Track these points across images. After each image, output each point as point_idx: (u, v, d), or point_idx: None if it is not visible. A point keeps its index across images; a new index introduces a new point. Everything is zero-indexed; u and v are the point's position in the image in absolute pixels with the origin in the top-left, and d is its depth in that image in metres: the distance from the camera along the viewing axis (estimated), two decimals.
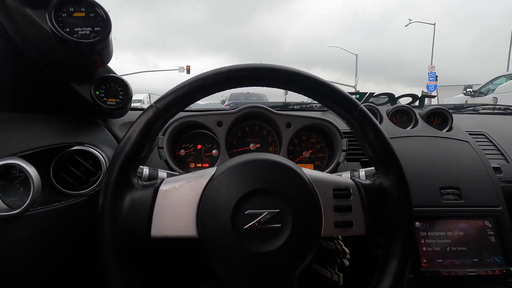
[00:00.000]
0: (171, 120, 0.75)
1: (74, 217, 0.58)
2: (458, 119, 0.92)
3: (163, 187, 0.42)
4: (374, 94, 1.11)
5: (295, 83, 0.44)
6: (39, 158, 0.53)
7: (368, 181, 0.46)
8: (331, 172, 0.77)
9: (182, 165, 0.81)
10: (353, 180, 0.46)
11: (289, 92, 0.48)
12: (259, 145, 0.85)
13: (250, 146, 0.85)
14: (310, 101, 1.52)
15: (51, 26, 0.50)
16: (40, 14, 0.51)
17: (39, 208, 0.51)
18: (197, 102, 0.46)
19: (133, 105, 0.77)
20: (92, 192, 0.59)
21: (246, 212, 0.40)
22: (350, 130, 0.81)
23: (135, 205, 0.40)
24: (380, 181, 0.45)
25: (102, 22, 0.54)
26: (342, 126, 0.82)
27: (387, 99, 1.12)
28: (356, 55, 19.71)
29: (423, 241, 0.68)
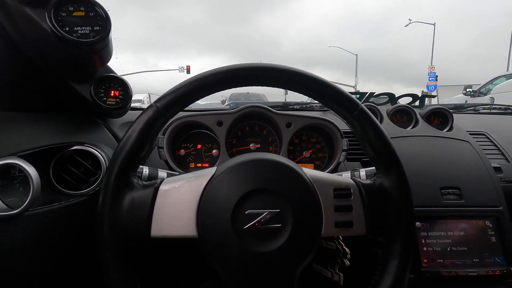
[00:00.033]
0: (171, 120, 0.75)
1: (74, 217, 0.58)
2: (459, 119, 0.92)
3: (163, 187, 0.42)
4: (375, 94, 1.10)
5: (296, 83, 0.43)
6: (38, 157, 0.53)
7: (368, 181, 0.46)
8: (332, 172, 0.77)
9: (182, 165, 0.81)
10: (353, 180, 0.46)
11: (289, 92, 0.48)
12: (259, 145, 0.85)
13: (250, 146, 0.85)
14: (310, 101, 1.52)
15: (51, 25, 0.50)
16: (39, 13, 0.51)
17: (39, 208, 0.51)
18: (197, 102, 0.46)
19: (133, 105, 0.77)
20: (92, 192, 0.59)
21: (246, 212, 0.40)
22: (350, 130, 0.81)
23: (135, 205, 0.40)
24: (380, 181, 0.45)
25: (102, 22, 0.54)
26: (342, 126, 0.82)
27: (387, 99, 1.12)
28: (356, 55, 19.73)
29: (423, 241, 0.68)
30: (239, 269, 0.40)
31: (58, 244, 0.57)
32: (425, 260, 0.67)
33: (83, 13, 0.53)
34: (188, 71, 17.40)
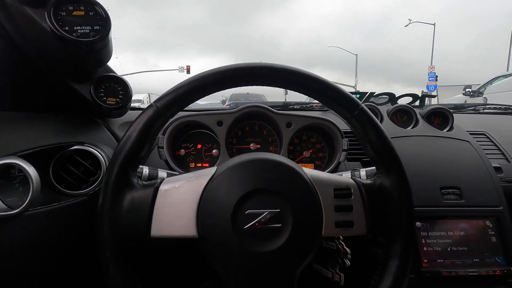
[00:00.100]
0: (171, 120, 0.75)
1: (74, 216, 0.58)
2: (459, 119, 0.92)
3: (163, 187, 0.42)
4: (375, 94, 1.10)
5: (296, 82, 0.43)
6: (38, 157, 0.53)
7: (369, 181, 0.46)
8: (332, 171, 0.77)
9: (182, 165, 0.81)
10: (353, 179, 0.46)
11: (289, 91, 0.48)
12: (259, 145, 0.85)
13: (250, 145, 0.85)
14: (310, 101, 1.52)
15: (50, 24, 0.50)
16: (39, 13, 0.51)
17: (39, 207, 0.51)
18: (197, 102, 0.46)
19: (132, 105, 0.77)
20: (92, 191, 0.59)
21: (246, 212, 0.40)
22: (350, 130, 0.81)
23: (135, 204, 0.40)
24: (381, 181, 0.45)
25: (102, 21, 0.54)
26: (342, 125, 0.82)
27: (387, 98, 1.12)
28: (356, 55, 19.73)
29: (423, 241, 0.68)
30: (239, 269, 0.40)
31: (58, 244, 0.57)
32: (425, 260, 0.67)
33: (83, 13, 0.53)
34: (188, 71, 17.40)
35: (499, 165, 0.80)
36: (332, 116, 0.86)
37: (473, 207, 0.71)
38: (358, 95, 1.09)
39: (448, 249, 0.68)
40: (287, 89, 0.45)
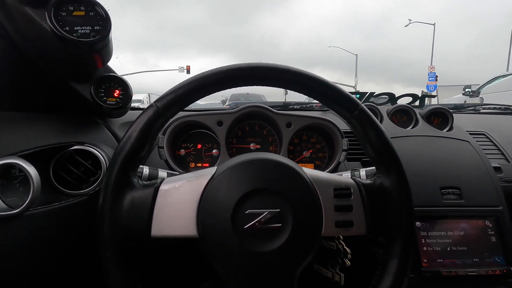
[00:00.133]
0: (171, 120, 0.75)
1: (74, 216, 0.58)
2: (459, 119, 0.92)
3: (163, 187, 0.42)
4: (375, 94, 1.10)
5: (296, 83, 0.43)
6: (38, 157, 0.53)
7: (368, 181, 0.46)
8: (332, 171, 0.77)
9: (182, 165, 0.81)
10: (353, 179, 0.46)
11: (289, 91, 0.48)
12: (259, 145, 0.85)
13: (250, 145, 0.85)
14: (309, 101, 1.52)
15: (51, 25, 0.50)
16: (39, 13, 0.51)
17: (39, 207, 0.51)
18: (197, 102, 0.46)
19: (132, 105, 0.77)
20: (92, 191, 0.59)
21: (246, 212, 0.40)
22: (350, 130, 0.81)
23: (135, 204, 0.40)
24: (380, 181, 0.45)
25: (102, 21, 0.54)
26: (342, 125, 0.82)
27: (387, 99, 1.12)
28: (356, 55, 19.73)
29: (423, 241, 0.68)
30: (239, 269, 0.40)
31: (58, 244, 0.57)
32: (425, 260, 0.67)
33: (83, 13, 0.53)
34: (188, 71, 17.39)
35: (499, 165, 0.80)
36: (332, 116, 0.86)
37: (472, 207, 0.71)
38: (358, 95, 1.09)
39: (448, 249, 0.68)
40: (287, 89, 0.45)
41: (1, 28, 0.54)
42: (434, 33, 15.31)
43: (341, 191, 0.43)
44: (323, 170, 0.78)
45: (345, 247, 0.64)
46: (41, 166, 0.54)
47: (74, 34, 0.52)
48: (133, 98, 0.72)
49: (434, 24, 15.38)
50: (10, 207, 0.48)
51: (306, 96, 0.49)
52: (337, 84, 0.45)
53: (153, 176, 0.60)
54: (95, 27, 0.53)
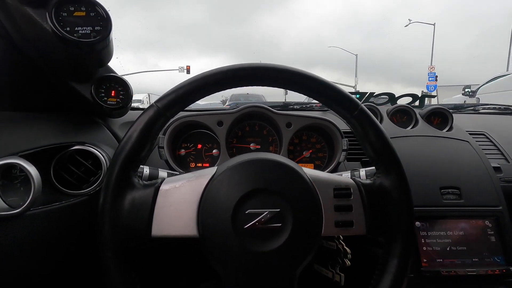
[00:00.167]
0: (171, 120, 0.75)
1: (75, 216, 0.58)
2: (458, 119, 0.92)
3: (163, 187, 0.42)
4: (374, 94, 1.11)
5: (296, 83, 0.44)
6: (39, 157, 0.53)
7: (368, 181, 0.46)
8: (332, 171, 0.77)
9: (183, 165, 0.81)
10: (353, 179, 0.46)
11: (289, 91, 0.48)
12: (259, 145, 0.85)
13: (251, 145, 0.85)
14: (308, 101, 1.52)
15: (52, 25, 0.50)
16: (40, 13, 0.51)
17: (40, 207, 0.51)
18: (197, 102, 0.46)
19: (132, 105, 0.77)
20: (93, 191, 0.59)
21: (246, 212, 0.40)
22: (350, 130, 0.81)
23: (136, 204, 0.40)
24: (380, 181, 0.45)
25: (103, 22, 0.54)
26: (342, 125, 0.82)
27: (387, 99, 1.12)
28: (356, 55, 19.73)
29: (423, 241, 0.68)
30: (239, 268, 0.40)
31: (58, 244, 0.57)
32: (424, 260, 0.67)
33: (84, 13, 0.53)
34: (188, 71, 17.39)
35: (498, 165, 0.80)
36: (332, 116, 0.86)
37: (472, 207, 0.71)
38: (358, 95, 1.09)
39: (448, 249, 0.68)
40: (287, 89, 0.45)
41: (2, 28, 0.54)
42: (434, 33, 15.32)
43: (341, 191, 0.44)
44: (323, 170, 0.79)
45: (345, 247, 0.64)
46: (42, 166, 0.54)
47: (74, 35, 0.52)
48: (133, 98, 0.72)
49: (434, 24, 15.39)
50: (11, 207, 0.48)
51: (306, 96, 0.49)
52: (336, 84, 0.45)
53: (153, 176, 0.60)
54: (96, 28, 0.53)
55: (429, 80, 12.61)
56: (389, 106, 0.95)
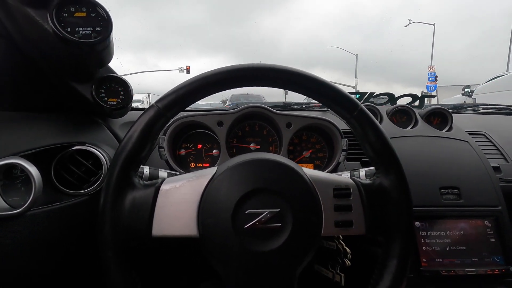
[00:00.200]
0: (171, 120, 0.75)
1: (75, 216, 0.58)
2: (458, 119, 0.93)
3: (164, 187, 0.42)
4: (374, 94, 1.11)
5: (296, 83, 0.44)
6: (40, 157, 0.53)
7: (368, 181, 0.46)
8: (331, 171, 0.77)
9: (183, 165, 0.82)
10: (353, 179, 0.46)
11: (289, 92, 0.48)
12: (259, 145, 0.85)
13: (251, 145, 0.85)
14: (309, 101, 1.52)
15: (53, 26, 0.50)
16: (41, 14, 0.51)
17: (40, 207, 0.51)
18: (197, 102, 0.46)
19: (132, 105, 0.77)
20: (93, 191, 0.60)
21: (246, 212, 0.40)
22: (350, 130, 0.81)
23: (136, 204, 0.41)
24: (380, 181, 0.45)
25: (103, 22, 0.54)
26: (342, 126, 0.82)
27: (387, 99, 1.12)
28: (356, 55, 19.73)
29: (422, 241, 0.68)
30: (240, 268, 0.40)
31: (59, 244, 0.57)
32: (424, 260, 0.67)
33: (84, 14, 0.53)
34: (188, 71, 17.39)
35: (498, 165, 0.80)
36: (331, 116, 0.86)
37: (472, 207, 0.71)
38: (357, 96, 1.10)
39: (447, 249, 0.68)
40: (287, 89, 0.45)
41: (3, 28, 0.54)
42: (434, 33, 15.32)
43: (340, 191, 0.44)
44: (323, 170, 0.79)
45: (345, 247, 0.64)
46: (43, 166, 0.54)
47: (75, 35, 0.52)
48: (133, 98, 0.72)
49: (434, 24, 15.39)
50: (12, 207, 0.48)
51: (306, 96, 0.49)
52: (336, 85, 0.45)
53: (153, 176, 0.60)
54: (97, 28, 0.54)
55: (429, 80, 12.61)
56: (389, 106, 0.95)
